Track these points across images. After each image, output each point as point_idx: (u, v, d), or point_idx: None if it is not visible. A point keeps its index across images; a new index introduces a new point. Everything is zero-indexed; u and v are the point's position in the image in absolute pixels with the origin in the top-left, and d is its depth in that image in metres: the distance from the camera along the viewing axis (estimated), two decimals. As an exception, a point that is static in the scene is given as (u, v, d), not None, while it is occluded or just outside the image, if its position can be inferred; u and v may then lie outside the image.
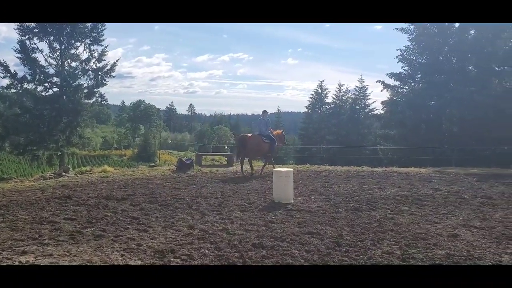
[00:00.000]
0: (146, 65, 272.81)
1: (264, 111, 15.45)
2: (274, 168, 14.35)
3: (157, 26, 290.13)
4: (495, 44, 25.24)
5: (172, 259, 5.28)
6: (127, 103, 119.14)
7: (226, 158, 19.64)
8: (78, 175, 14.19)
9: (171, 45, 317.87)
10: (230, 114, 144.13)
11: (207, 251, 5.58)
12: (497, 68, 25.99)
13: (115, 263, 5.11)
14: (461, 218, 7.94)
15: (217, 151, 59.14)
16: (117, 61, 30.54)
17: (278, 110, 79.60)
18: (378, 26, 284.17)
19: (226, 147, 53.31)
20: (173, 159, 40.23)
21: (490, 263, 5.28)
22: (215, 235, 6.42)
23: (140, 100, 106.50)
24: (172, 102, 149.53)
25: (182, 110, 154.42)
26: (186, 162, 16.16)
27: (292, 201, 9.29)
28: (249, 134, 15.15)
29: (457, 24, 27.10)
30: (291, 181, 9.57)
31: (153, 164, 21.96)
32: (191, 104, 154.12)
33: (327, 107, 52.60)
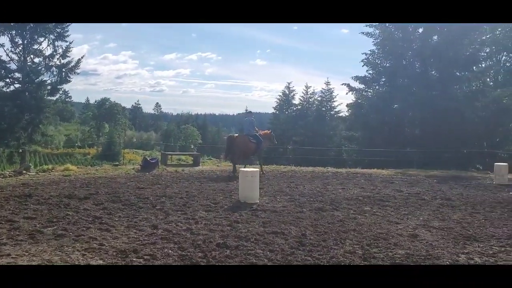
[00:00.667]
0: (112, 63, 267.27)
1: (249, 112, 16.16)
2: (262, 168, 14.85)
3: (124, 23, 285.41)
4: (456, 50, 26.07)
5: (134, 259, 5.21)
6: (92, 101, 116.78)
7: (193, 158, 19.51)
8: (40, 173, 13.78)
9: (138, 42, 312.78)
10: (197, 113, 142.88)
11: (170, 251, 5.54)
12: (458, 73, 26.88)
13: (76, 263, 5.01)
14: (421, 218, 8.17)
15: (184, 151, 58.66)
16: (82, 57, 30.04)
17: (246, 110, 79.55)
18: (345, 30, 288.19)
19: (193, 147, 52.93)
20: (138, 158, 39.63)
21: (448, 263, 5.45)
22: (179, 235, 6.38)
23: (105, 98, 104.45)
24: (138, 101, 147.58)
25: (148, 108, 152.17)
26: (151, 161, 15.97)
27: (258, 201, 9.34)
28: (236, 135, 15.56)
29: (420, 29, 27.86)
30: (257, 181, 9.62)
31: (117, 163, 21.57)
32: (157, 103, 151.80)
33: (294, 108, 53.13)
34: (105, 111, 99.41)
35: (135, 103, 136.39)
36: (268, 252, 5.64)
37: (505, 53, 33.44)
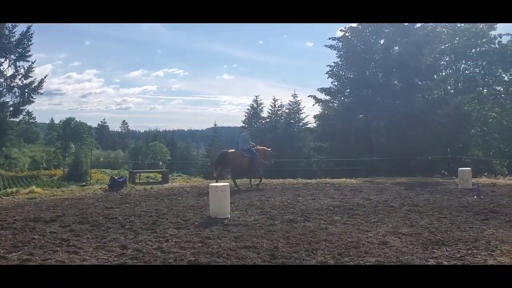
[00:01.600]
0: (77, 81, 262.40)
1: (245, 127, 17.11)
2: (260, 182, 15.35)
3: (88, 42, 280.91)
4: (417, 59, 26.82)
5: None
6: (56, 121, 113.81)
7: (162, 175, 19.28)
8: (3, 197, 13.31)
9: (102, 60, 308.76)
10: (165, 130, 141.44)
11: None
12: (420, 82, 27.62)
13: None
14: (390, 225, 8.31)
15: (152, 168, 57.89)
16: (45, 77, 29.31)
17: (215, 125, 79.36)
18: (310, 43, 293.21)
19: (161, 164, 52.29)
20: (106, 177, 38.88)
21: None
22: (149, 254, 6.28)
23: (70, 117, 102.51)
24: (104, 119, 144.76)
25: (115, 127, 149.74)
26: (119, 180, 15.68)
27: (229, 216, 9.29)
28: (230, 150, 15.71)
29: (382, 41, 28.58)
30: (228, 196, 9.58)
31: (84, 183, 21.11)
32: (124, 120, 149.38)
33: (263, 121, 53.27)
34: (70, 131, 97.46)
35: (101, 121, 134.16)
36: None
37: (463, 61, 34.86)
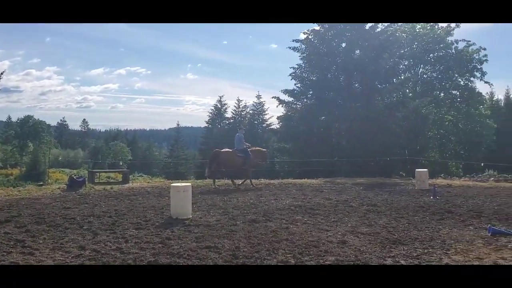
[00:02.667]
0: (36, 79, 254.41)
1: (240, 128, 17.65)
2: (251, 183, 15.51)
3: (48, 38, 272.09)
4: (377, 63, 27.44)
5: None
6: (14, 119, 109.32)
7: (122, 175, 18.94)
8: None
9: (63, 58, 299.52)
10: (127, 129, 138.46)
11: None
12: (379, 86, 28.28)
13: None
14: (350, 225, 8.47)
15: (113, 168, 56.71)
16: (2, 73, 28.28)
17: (178, 125, 78.48)
18: (274, 45, 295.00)
19: (122, 163, 51.29)
20: (65, 177, 37.79)
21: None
22: (107, 255, 6.15)
23: (28, 115, 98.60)
24: (64, 117, 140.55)
25: (75, 125, 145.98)
26: (78, 180, 15.33)
27: (190, 216, 9.23)
28: (223, 150, 15.89)
29: (343, 44, 29.06)
30: (189, 196, 9.51)
31: (42, 183, 20.41)
32: (84, 119, 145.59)
33: (227, 122, 53.26)
34: (28, 129, 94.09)
35: (61, 120, 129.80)
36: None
37: (422, 65, 35.97)
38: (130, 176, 19.18)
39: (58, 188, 15.04)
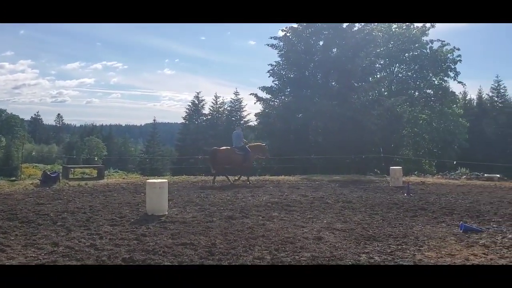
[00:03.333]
0: (9, 72, 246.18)
1: (238, 125, 16.66)
2: (248, 180, 15.44)
3: (22, 31, 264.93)
4: (354, 62, 27.76)
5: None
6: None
7: (97, 171, 18.67)
8: None
9: (38, 51, 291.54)
10: (102, 124, 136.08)
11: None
12: (356, 84, 28.59)
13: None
14: (325, 221, 8.56)
15: (88, 164, 55.87)
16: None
17: (154, 120, 77.75)
18: (252, 42, 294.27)
19: (97, 159, 50.63)
20: (39, 172, 37.07)
21: (351, 263, 5.74)
22: (81, 251, 6.07)
23: (1, 109, 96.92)
24: (38, 112, 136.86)
25: (49, 120, 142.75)
26: (52, 175, 15.05)
27: (166, 213, 9.17)
28: (222, 148, 15.85)
29: (321, 42, 29.27)
30: (166, 192, 9.46)
31: (14, 178, 19.95)
32: (59, 114, 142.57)
33: (204, 118, 53.01)
34: (1, 124, 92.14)
35: (35, 114, 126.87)
36: (177, 264, 5.55)
37: (397, 64, 36.51)
38: (105, 172, 18.93)
39: (32, 183, 14.72)
